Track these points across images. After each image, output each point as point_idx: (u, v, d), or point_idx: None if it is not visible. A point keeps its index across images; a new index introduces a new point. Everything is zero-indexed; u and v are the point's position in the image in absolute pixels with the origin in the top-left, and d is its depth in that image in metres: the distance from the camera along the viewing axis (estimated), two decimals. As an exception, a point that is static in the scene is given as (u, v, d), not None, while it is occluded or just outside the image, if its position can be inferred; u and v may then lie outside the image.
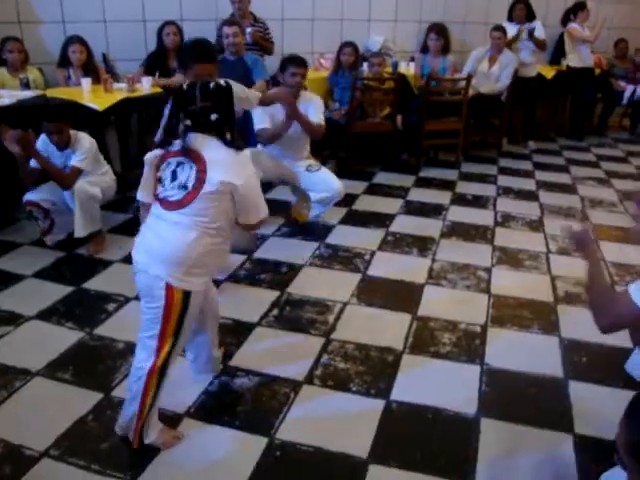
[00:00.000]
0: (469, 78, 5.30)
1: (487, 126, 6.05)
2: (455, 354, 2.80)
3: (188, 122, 1.99)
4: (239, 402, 2.44)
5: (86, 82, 4.27)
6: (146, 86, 4.37)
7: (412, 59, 6.03)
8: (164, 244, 2.01)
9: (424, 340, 2.91)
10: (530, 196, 4.95)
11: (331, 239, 4.02)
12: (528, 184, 5.24)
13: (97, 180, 3.64)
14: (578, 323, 3.09)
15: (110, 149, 4.69)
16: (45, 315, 3.02)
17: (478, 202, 4.76)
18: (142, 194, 2.21)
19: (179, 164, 2.02)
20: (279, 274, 3.52)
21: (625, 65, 6.97)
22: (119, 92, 4.29)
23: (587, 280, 1.93)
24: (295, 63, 3.77)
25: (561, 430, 2.34)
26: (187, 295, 2.02)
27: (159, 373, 2.10)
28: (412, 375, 2.65)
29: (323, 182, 3.89)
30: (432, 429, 2.33)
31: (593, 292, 1.89)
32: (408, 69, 5.84)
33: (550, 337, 2.98)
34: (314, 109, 3.88)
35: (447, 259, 3.75)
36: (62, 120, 3.45)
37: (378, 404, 2.45)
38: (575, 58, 6.30)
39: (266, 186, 4.03)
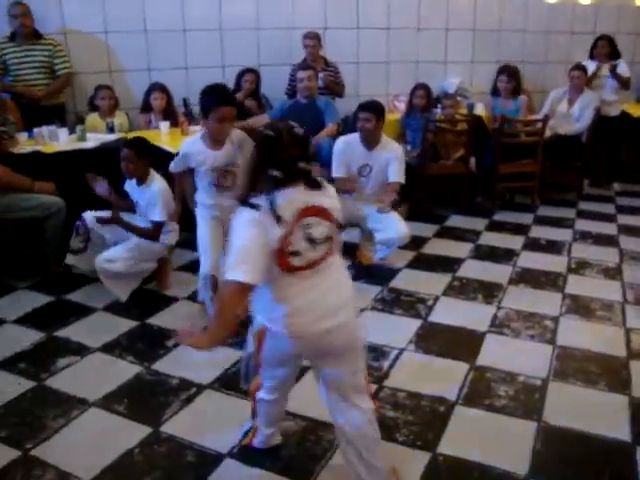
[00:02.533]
0: (546, 119, 5.16)
1: (567, 168, 5.83)
2: (511, 409, 2.67)
3: (276, 173, 1.79)
4: (283, 446, 2.43)
5: (164, 125, 4.51)
6: (220, 129, 4.55)
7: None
8: (344, 290, 1.96)
9: (479, 391, 2.79)
10: (609, 241, 4.70)
11: (395, 283, 3.97)
12: (608, 228, 4.99)
13: (121, 255, 3.51)
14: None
15: (188, 190, 4.88)
16: (109, 348, 3.15)
17: (552, 247, 4.57)
18: (256, 276, 1.75)
19: (305, 227, 1.83)
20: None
21: None
22: (194, 134, 4.48)
23: None
24: (362, 108, 3.84)
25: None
26: None
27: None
28: (463, 428, 2.55)
29: (390, 224, 3.89)
30: (477, 488, 2.23)
31: None
32: (484, 111, 5.76)
33: (619, 396, 2.78)
34: (395, 165, 3.89)
35: (513, 306, 3.62)
36: (133, 150, 3.47)
37: (423, 457, 2.37)
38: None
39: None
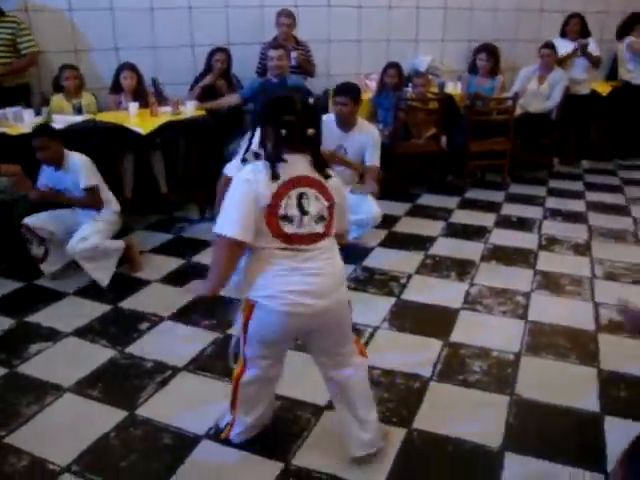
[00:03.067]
0: (515, 97, 5.19)
1: (537, 146, 5.89)
2: (484, 383, 2.72)
3: (283, 132, 1.88)
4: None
5: (133, 106, 4.42)
6: (189, 109, 4.48)
7: (459, 79, 5.96)
8: (334, 272, 2.00)
9: (453, 367, 2.84)
10: (579, 218, 4.78)
11: (368, 262, 3.99)
12: (577, 205, 5.07)
13: (90, 230, 3.51)
14: (620, 354, 2.96)
15: (156, 171, 4.83)
16: (81, 332, 3.12)
17: (523, 225, 4.63)
18: (242, 232, 1.85)
19: (301, 195, 1.90)
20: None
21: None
22: (164, 115, 4.42)
23: None
24: (338, 92, 3.80)
25: (593, 469, 2.22)
26: None
27: None
28: (437, 404, 2.58)
29: (363, 204, 3.88)
30: (452, 462, 2.27)
31: None
32: (455, 89, 5.77)
33: (588, 368, 2.85)
34: (371, 148, 3.89)
35: (485, 283, 3.66)
36: (45, 135, 3.45)
37: (399, 433, 2.40)
38: (633, 74, 6.05)
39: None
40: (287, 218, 1.88)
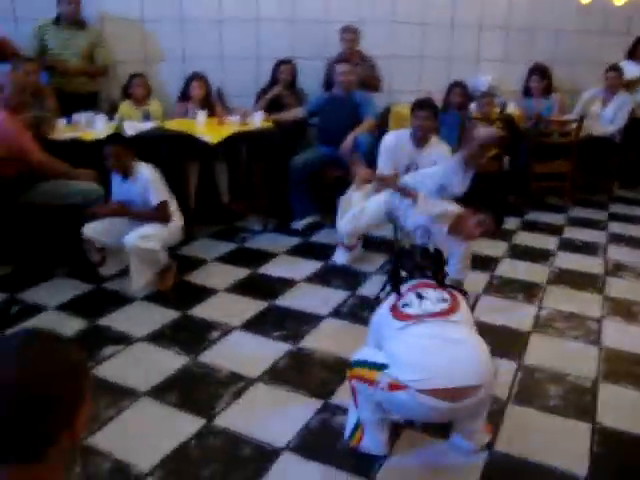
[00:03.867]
0: (581, 120, 5.13)
1: (598, 170, 5.79)
2: (563, 409, 2.66)
3: (404, 274, 2.44)
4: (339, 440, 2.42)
5: (202, 115, 4.48)
6: (257, 120, 4.53)
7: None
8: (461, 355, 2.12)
9: (530, 391, 2.78)
10: (644, 245, 4.68)
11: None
12: (642, 232, 4.96)
13: (155, 232, 3.53)
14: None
15: (219, 181, 4.88)
16: (153, 338, 3.15)
17: (588, 249, 4.54)
18: None
19: (419, 292, 2.29)
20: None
21: None
22: (231, 125, 4.47)
23: None
24: (420, 106, 3.80)
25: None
26: None
27: None
28: (517, 427, 2.53)
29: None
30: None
31: None
32: (516, 110, 5.72)
33: (670, 399, 2.77)
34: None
35: (555, 307, 3.59)
36: (119, 144, 3.52)
37: (481, 455, 2.36)
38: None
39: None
40: (407, 304, 2.27)
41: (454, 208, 3.32)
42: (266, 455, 2.32)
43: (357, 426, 2.32)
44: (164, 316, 3.36)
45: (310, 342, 3.15)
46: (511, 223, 5.06)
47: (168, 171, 3.86)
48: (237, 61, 5.23)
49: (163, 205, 3.58)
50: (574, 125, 5.18)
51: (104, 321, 3.31)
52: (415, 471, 2.28)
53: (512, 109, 5.73)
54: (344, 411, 2.56)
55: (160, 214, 3.58)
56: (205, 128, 4.42)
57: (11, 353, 0.95)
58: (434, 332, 2.10)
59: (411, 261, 2.47)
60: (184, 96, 4.86)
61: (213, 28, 5.12)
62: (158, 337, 3.15)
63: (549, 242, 4.66)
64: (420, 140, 3.86)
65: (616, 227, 5.05)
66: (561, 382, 2.85)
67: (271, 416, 2.56)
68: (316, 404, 2.64)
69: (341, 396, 2.68)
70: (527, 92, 5.64)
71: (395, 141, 3.92)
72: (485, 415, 2.34)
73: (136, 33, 4.94)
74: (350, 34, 5.00)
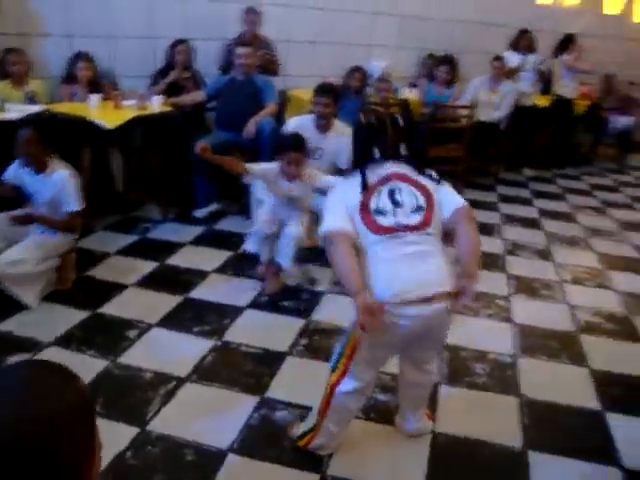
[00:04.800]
0: (473, 106, 5.36)
1: (484, 154, 6.10)
2: (490, 385, 2.77)
3: (377, 154, 2.07)
4: (286, 437, 2.35)
5: (95, 98, 4.15)
6: (156, 104, 4.27)
7: (413, 85, 6.08)
8: (431, 268, 1.93)
9: (458, 371, 2.87)
10: (534, 224, 5.00)
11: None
12: (530, 212, 5.30)
13: (29, 256, 3.07)
14: (604, 354, 3.11)
15: (114, 168, 4.56)
16: (63, 342, 2.87)
17: (485, 229, 4.77)
18: (338, 222, 1.95)
19: (392, 190, 1.99)
20: (300, 300, 3.45)
21: (612, 98, 7.17)
22: (129, 110, 4.18)
23: None
24: (321, 92, 3.77)
25: (608, 464, 2.33)
26: None
27: None
28: (453, 407, 2.60)
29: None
30: (481, 463, 2.30)
31: None
32: (409, 95, 5.86)
33: (580, 368, 2.98)
34: (345, 152, 3.71)
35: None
36: (40, 130, 3.04)
37: (426, 439, 2.39)
38: (568, 89, 6.42)
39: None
40: (380, 211, 1.95)
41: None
42: (211, 459, 2.20)
43: (311, 430, 2.23)
44: (71, 317, 3.08)
45: (234, 335, 3.04)
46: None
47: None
48: (128, 41, 4.87)
49: (75, 215, 3.19)
50: (466, 111, 5.40)
51: (4, 326, 2.98)
52: (364, 460, 2.27)
53: (407, 94, 5.87)
54: (284, 405, 2.51)
55: (68, 224, 3.21)
56: (99, 112, 4.09)
57: (10, 396, 0.79)
58: (407, 250, 1.91)
59: (384, 136, 2.13)
60: (69, 77, 4.47)
61: (102, 3, 4.73)
62: (68, 341, 2.88)
63: (448, 224, 4.84)
64: (323, 125, 3.84)
65: (505, 208, 5.37)
66: (484, 360, 2.97)
67: (208, 417, 2.44)
68: (253, 400, 2.55)
69: (276, 390, 2.62)
70: (432, 78, 5.80)
71: (297, 127, 3.86)
72: (427, 398, 2.38)
73: (11, 1, 4.43)
74: (253, 16, 4.84)
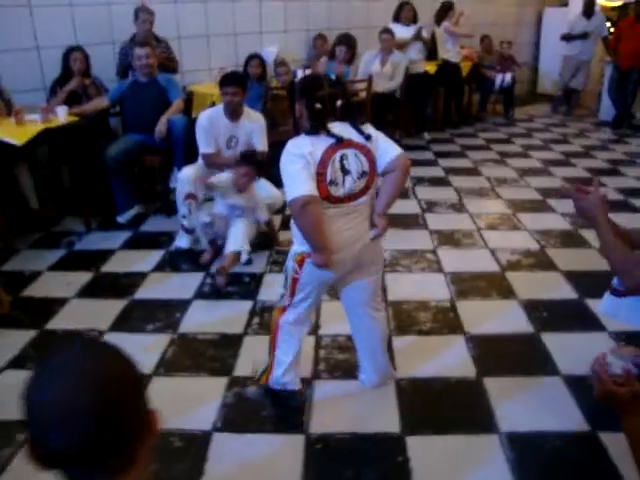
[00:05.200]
0: (370, 79, 5.60)
1: (384, 122, 6.37)
2: (437, 329, 3.01)
3: (318, 105, 2.13)
4: (266, 406, 2.49)
5: (-6, 116, 4.01)
6: (61, 115, 4.17)
7: (306, 67, 6.24)
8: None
9: (406, 321, 3.09)
10: (443, 182, 5.33)
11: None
12: (436, 172, 5.63)
13: None
14: (528, 286, 3.44)
15: (23, 185, 4.42)
16: (17, 363, 2.82)
17: (399, 193, 5.02)
18: (308, 187, 2.05)
19: (342, 157, 2.12)
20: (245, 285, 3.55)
21: (491, 57, 7.68)
22: (33, 124, 4.06)
23: (603, 247, 1.86)
24: (227, 82, 3.82)
25: (550, 374, 2.65)
26: None
27: None
28: (407, 353, 2.82)
29: (266, 189, 4.00)
30: (447, 395, 2.54)
31: (614, 258, 1.84)
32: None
33: (510, 301, 3.29)
34: (258, 135, 3.98)
35: (394, 247, 3.96)
36: None
37: (390, 386, 2.59)
38: (451, 53, 6.83)
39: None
40: (333, 182, 2.10)
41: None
42: (199, 441, 2.29)
43: (266, 369, 2.48)
44: (20, 338, 3.01)
45: (188, 327, 3.10)
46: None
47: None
48: (14, 53, 4.70)
49: None
50: (366, 84, 5.63)
51: None
52: (340, 415, 2.43)
53: (302, 75, 6.01)
54: (252, 380, 2.62)
55: None
56: (2, 130, 3.95)
57: (84, 362, 0.87)
58: (350, 216, 2.19)
59: (322, 91, 2.14)
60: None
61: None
62: (23, 361, 2.84)
63: (365, 193, 5.06)
64: (233, 114, 3.93)
65: (413, 171, 5.62)
66: (426, 308, 3.21)
67: (184, 404, 2.51)
68: (222, 382, 2.64)
69: (242, 368, 2.72)
70: (333, 56, 5.99)
71: (209, 119, 3.93)
72: (382, 343, 2.56)
73: None
74: (146, 14, 4.79)
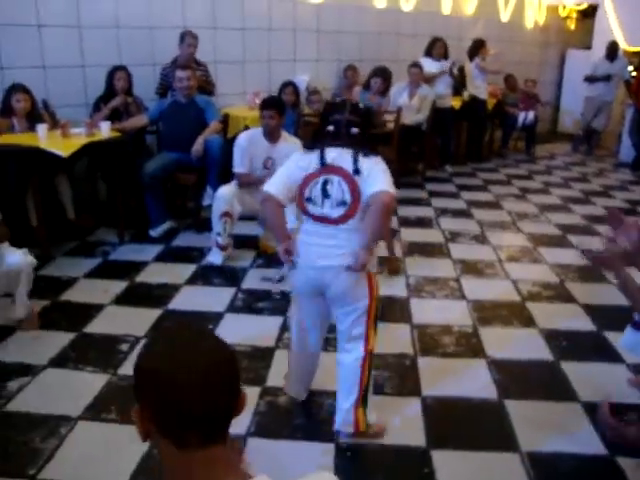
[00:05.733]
0: (399, 111, 5.78)
1: (410, 153, 6.54)
2: (460, 352, 3.12)
3: (331, 128, 2.29)
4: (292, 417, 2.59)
5: (42, 128, 4.19)
6: (105, 130, 4.37)
7: (337, 95, 6.44)
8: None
9: (429, 344, 3.20)
10: (465, 214, 5.47)
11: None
12: (458, 204, 5.77)
13: None
14: (547, 316, 3.55)
15: (63, 196, 4.61)
16: (57, 362, 2.96)
17: (423, 223, 5.17)
18: (275, 188, 2.30)
19: (325, 181, 2.26)
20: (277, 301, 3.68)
21: (515, 95, 7.87)
22: (77, 137, 4.26)
23: (625, 289, 2.12)
24: (266, 106, 3.98)
25: (569, 400, 2.75)
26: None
27: (371, 356, 2.39)
28: (431, 374, 2.92)
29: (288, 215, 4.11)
30: (469, 415, 2.64)
31: (636, 297, 2.11)
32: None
33: (530, 329, 3.40)
34: None
35: (418, 274, 4.08)
36: None
37: (415, 402, 2.69)
38: (480, 90, 7.02)
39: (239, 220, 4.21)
40: (310, 199, 2.28)
41: None
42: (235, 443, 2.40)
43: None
44: (59, 340, 3.16)
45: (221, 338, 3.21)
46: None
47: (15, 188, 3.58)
48: (61, 70, 4.93)
49: None
50: (392, 117, 5.81)
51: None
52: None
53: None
54: (280, 390, 2.72)
55: None
56: (49, 142, 4.15)
57: (208, 340, 1.01)
58: (322, 234, 2.29)
59: (340, 116, 2.29)
60: (5, 110, 4.48)
61: (32, 35, 4.77)
62: (64, 361, 2.97)
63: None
64: (271, 136, 4.08)
65: (436, 202, 5.81)
66: (449, 332, 3.33)
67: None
68: (256, 391, 2.75)
69: (274, 378, 2.83)
70: (367, 87, 6.18)
71: (248, 140, 4.10)
72: (354, 389, 2.40)
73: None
74: (191, 39, 5.03)
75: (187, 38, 5.01)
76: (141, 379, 0.97)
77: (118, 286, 3.81)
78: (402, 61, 6.70)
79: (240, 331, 3.30)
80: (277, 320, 3.43)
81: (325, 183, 2.25)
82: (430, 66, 6.40)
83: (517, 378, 2.92)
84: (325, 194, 2.25)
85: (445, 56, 6.59)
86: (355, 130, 2.28)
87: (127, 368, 2.91)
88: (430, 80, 6.41)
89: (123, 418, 2.53)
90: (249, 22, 6.03)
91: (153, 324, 3.34)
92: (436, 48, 6.55)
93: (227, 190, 4.10)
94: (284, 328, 3.33)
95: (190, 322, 1.17)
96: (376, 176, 2.22)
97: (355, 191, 2.23)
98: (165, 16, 5.40)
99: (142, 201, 4.69)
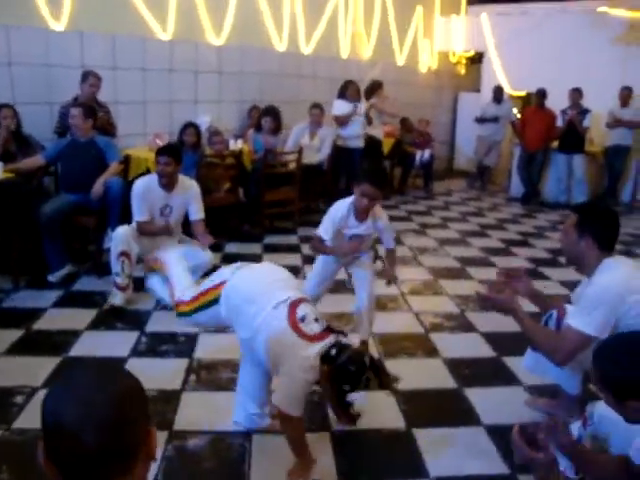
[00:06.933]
0: (300, 151, 5.91)
1: (310, 193, 6.65)
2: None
3: (347, 387, 2.40)
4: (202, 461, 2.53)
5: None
6: (-2, 173, 4.18)
7: (238, 136, 6.48)
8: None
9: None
10: (368, 249, 5.60)
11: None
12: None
13: None
14: (450, 345, 3.70)
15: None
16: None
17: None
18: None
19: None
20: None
21: (411, 135, 8.28)
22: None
23: (527, 332, 2.46)
24: (162, 152, 3.97)
25: (473, 425, 2.86)
26: None
27: None
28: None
29: (194, 253, 4.07)
30: (378, 445, 2.67)
31: (538, 339, 2.42)
32: (237, 145, 6.23)
33: (435, 359, 3.53)
34: (194, 203, 4.14)
35: (321, 310, 4.12)
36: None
37: (324, 435, 2.71)
38: (377, 130, 7.32)
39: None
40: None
41: None
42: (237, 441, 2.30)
43: None
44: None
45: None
46: (254, 248, 5.55)
47: None
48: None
49: None
50: (293, 157, 5.93)
51: None
52: (280, 466, 2.51)
53: (233, 145, 6.24)
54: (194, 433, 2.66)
55: None
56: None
57: (99, 387, 1.01)
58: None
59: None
60: None
61: None
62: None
63: (294, 259, 5.26)
64: (167, 184, 4.04)
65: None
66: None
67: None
68: (163, 435, 2.67)
69: (181, 423, 2.76)
70: (259, 129, 6.25)
71: (144, 187, 4.02)
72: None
73: None
74: (94, 79, 4.93)
75: (90, 78, 4.92)
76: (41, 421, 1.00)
77: (12, 335, 3.59)
78: (302, 102, 6.90)
79: (145, 375, 3.15)
80: (182, 362, 3.36)
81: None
82: (343, 108, 6.61)
83: (424, 407, 3.02)
84: (316, 320, 2.45)
85: (358, 97, 6.82)
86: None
87: (23, 421, 2.74)
88: (344, 121, 6.62)
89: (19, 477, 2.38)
90: (150, 63, 6.02)
91: (51, 373, 3.17)
92: (350, 90, 6.75)
93: (123, 230, 4.00)
94: (190, 370, 3.27)
95: (95, 361, 1.16)
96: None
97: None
98: (63, 54, 5.29)
99: (40, 245, 4.49)
